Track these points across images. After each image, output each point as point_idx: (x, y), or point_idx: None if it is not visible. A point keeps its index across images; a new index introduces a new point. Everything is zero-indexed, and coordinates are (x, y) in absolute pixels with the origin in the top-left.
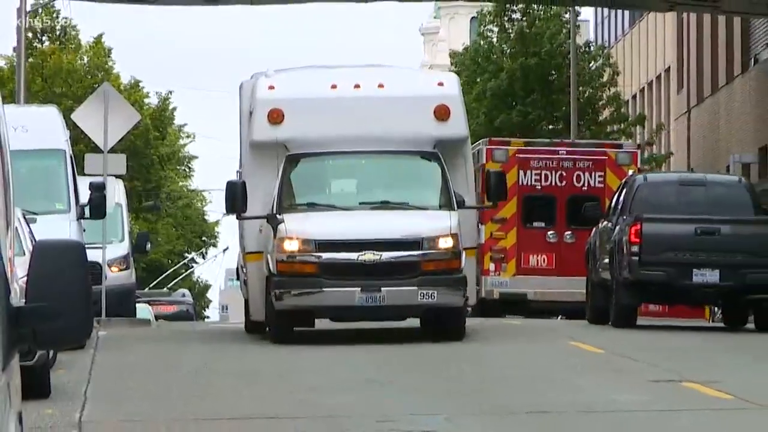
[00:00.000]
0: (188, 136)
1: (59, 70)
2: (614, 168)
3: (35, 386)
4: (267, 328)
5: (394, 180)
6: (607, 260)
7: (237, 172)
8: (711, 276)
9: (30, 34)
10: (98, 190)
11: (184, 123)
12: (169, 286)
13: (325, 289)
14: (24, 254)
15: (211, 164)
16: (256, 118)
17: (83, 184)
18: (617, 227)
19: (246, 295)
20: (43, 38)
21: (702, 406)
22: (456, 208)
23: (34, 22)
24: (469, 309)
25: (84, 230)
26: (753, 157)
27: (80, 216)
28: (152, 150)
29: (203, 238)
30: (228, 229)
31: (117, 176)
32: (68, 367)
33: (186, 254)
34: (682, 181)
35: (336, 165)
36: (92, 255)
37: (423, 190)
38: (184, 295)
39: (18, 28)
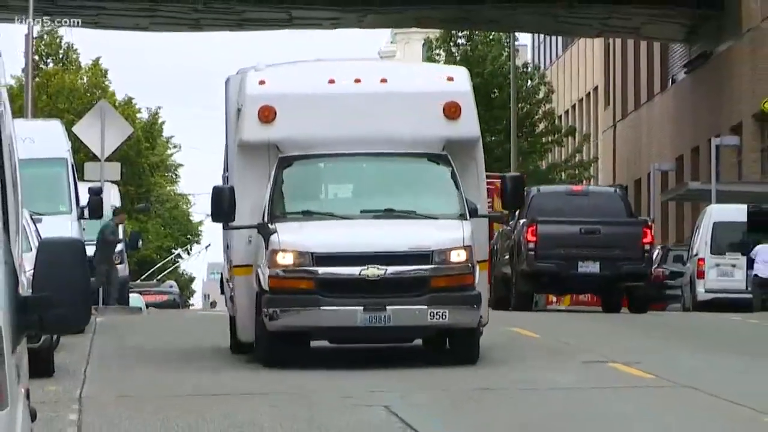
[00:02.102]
0: (175, 147)
1: (62, 89)
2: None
3: (40, 366)
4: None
5: (400, 185)
6: (507, 256)
7: (223, 176)
8: (593, 267)
9: (36, 57)
10: (96, 194)
11: (171, 135)
12: (158, 278)
13: (323, 308)
14: (31, 250)
15: (195, 171)
16: (245, 117)
17: (83, 188)
18: (516, 229)
19: (232, 312)
20: (48, 60)
21: (628, 384)
22: (468, 217)
23: (40, 45)
24: (482, 330)
25: (84, 229)
26: (671, 165)
27: (80, 216)
28: (143, 159)
29: (188, 236)
30: (210, 228)
31: (112, 182)
32: (69, 350)
33: (173, 250)
34: (568, 192)
35: (334, 168)
36: (91, 251)
37: (432, 197)
38: (171, 286)
39: (26, 51)
